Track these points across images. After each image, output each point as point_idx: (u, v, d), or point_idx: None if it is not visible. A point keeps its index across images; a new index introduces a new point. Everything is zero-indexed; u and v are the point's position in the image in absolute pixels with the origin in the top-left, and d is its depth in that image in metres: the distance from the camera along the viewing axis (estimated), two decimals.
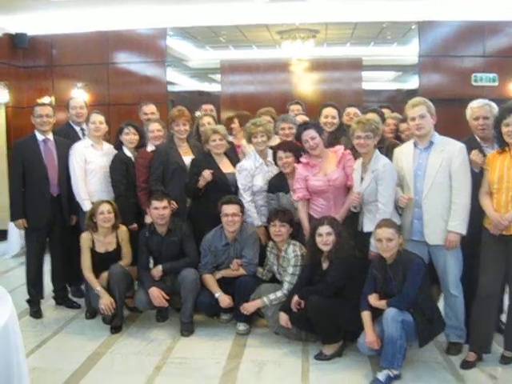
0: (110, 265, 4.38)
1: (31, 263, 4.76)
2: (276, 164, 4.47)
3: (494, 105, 3.85)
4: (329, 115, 4.88)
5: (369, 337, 3.53)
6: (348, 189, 4.21)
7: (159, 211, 4.35)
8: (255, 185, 4.53)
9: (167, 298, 4.32)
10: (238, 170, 4.57)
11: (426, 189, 3.71)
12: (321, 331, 3.86)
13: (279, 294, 4.10)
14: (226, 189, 4.54)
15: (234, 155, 4.88)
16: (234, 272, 4.37)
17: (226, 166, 4.70)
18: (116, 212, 4.44)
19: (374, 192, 3.85)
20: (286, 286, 4.09)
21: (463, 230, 3.64)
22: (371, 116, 4.30)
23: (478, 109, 3.89)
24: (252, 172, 4.53)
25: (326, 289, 3.75)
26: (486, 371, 3.59)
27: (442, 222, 3.70)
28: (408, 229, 3.84)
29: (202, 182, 4.48)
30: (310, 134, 4.19)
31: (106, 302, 4.24)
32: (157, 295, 4.27)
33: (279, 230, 4.16)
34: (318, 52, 8.66)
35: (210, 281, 4.37)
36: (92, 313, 4.66)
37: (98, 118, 4.80)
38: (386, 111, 5.10)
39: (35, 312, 4.71)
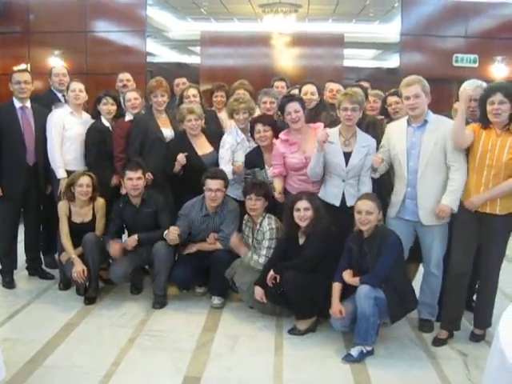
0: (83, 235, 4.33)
1: (5, 233, 4.69)
2: (253, 137, 4.42)
3: (485, 85, 3.81)
4: (308, 92, 4.82)
5: (333, 307, 3.57)
6: None
7: (133, 182, 4.31)
8: (236, 160, 4.48)
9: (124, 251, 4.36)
10: (221, 144, 4.52)
11: (421, 168, 3.69)
12: (296, 306, 3.87)
13: (256, 258, 4.09)
14: (203, 171, 4.39)
15: (214, 127, 4.82)
16: (210, 246, 4.35)
17: (203, 147, 4.62)
18: (95, 185, 4.38)
19: (361, 167, 3.87)
20: (262, 259, 4.09)
21: (456, 208, 3.64)
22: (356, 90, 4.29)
23: (471, 92, 3.80)
24: (233, 148, 4.49)
25: (303, 263, 3.75)
26: (456, 348, 3.66)
27: (437, 202, 3.70)
28: (397, 207, 3.83)
29: (177, 167, 4.43)
30: (294, 106, 4.13)
31: (78, 269, 4.19)
32: (115, 247, 4.29)
33: (255, 203, 4.14)
34: (300, 27, 8.59)
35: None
36: (66, 284, 4.61)
37: (77, 86, 4.69)
38: (365, 84, 5.08)
39: (8, 282, 4.66)
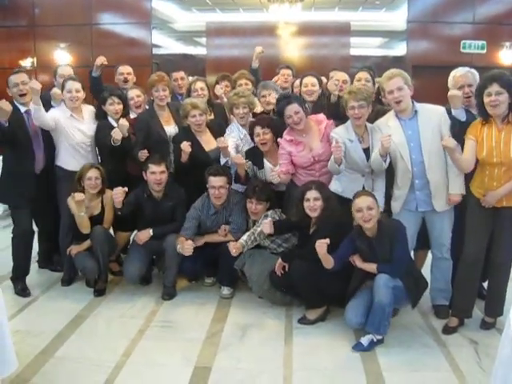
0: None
1: (19, 243, 4.43)
2: (253, 140, 4.35)
3: (474, 71, 3.83)
4: (308, 83, 4.77)
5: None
6: None
7: (156, 176, 4.26)
8: (233, 136, 4.44)
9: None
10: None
11: (427, 160, 3.68)
12: (304, 296, 3.87)
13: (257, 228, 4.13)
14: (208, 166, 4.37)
15: (220, 121, 4.77)
16: (220, 238, 4.34)
17: (208, 142, 4.55)
18: (104, 178, 4.36)
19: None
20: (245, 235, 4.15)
21: (463, 191, 3.66)
22: (363, 75, 4.26)
23: (461, 77, 3.84)
24: (239, 148, 4.41)
25: (311, 253, 3.74)
26: (466, 336, 3.63)
27: (447, 187, 3.72)
28: (402, 200, 3.81)
29: (184, 157, 4.35)
30: (293, 108, 4.04)
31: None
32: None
33: (255, 207, 4.16)
34: (306, 16, 8.54)
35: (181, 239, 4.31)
36: (68, 280, 4.60)
37: (74, 86, 4.48)
38: (364, 75, 4.98)
39: (21, 290, 4.40)
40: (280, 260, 3.88)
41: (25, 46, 8.31)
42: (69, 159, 4.50)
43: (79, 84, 4.53)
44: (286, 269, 3.85)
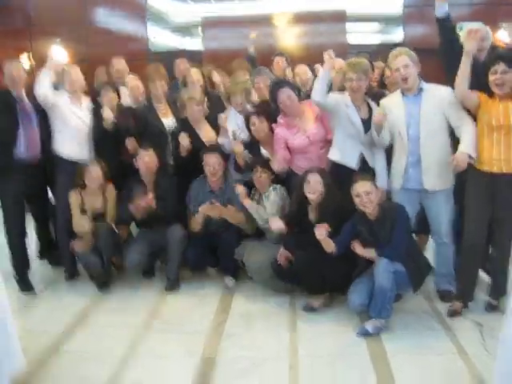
0: (95, 223, 4.32)
1: (12, 237, 4.43)
2: (249, 130, 4.36)
3: (488, 29, 3.85)
4: (300, 72, 4.84)
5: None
6: (329, 142, 4.12)
7: (146, 160, 4.32)
8: (230, 121, 4.49)
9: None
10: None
11: (423, 135, 3.68)
12: (308, 284, 3.86)
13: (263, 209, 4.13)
14: None
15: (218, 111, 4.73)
16: (227, 211, 4.27)
17: (207, 134, 4.59)
18: (105, 172, 4.37)
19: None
20: (268, 207, 4.12)
21: (473, 153, 3.54)
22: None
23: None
24: (237, 135, 4.41)
25: (313, 240, 3.66)
26: (471, 319, 3.63)
27: (440, 167, 3.70)
28: (399, 177, 3.82)
29: (183, 151, 4.38)
30: (285, 92, 4.08)
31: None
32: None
33: (260, 175, 4.15)
34: (302, 5, 8.48)
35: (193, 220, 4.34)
36: (71, 273, 4.61)
37: (73, 69, 4.52)
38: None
39: (24, 286, 4.41)
40: (282, 249, 3.87)
41: (21, 44, 8.28)
42: (65, 144, 4.44)
43: (78, 69, 4.57)
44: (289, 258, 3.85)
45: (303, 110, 4.21)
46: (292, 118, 4.18)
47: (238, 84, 4.50)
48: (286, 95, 4.08)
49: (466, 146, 3.55)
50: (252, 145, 4.38)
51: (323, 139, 4.13)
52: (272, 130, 4.27)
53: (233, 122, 4.49)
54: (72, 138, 4.46)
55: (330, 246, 3.59)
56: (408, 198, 3.77)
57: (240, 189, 4.19)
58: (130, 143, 4.45)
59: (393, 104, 3.85)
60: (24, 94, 4.32)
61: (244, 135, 4.42)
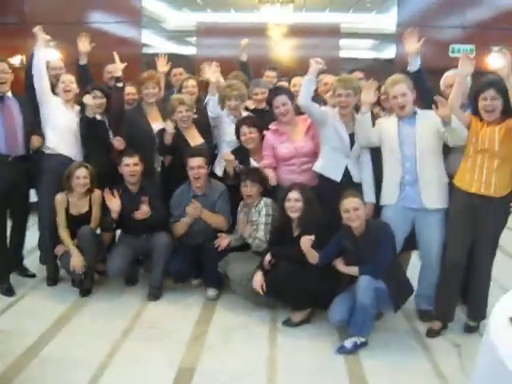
0: (80, 227, 4.30)
1: None
2: (239, 139, 4.41)
3: None
4: (297, 84, 4.81)
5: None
6: (315, 158, 4.14)
7: (130, 168, 4.32)
8: (228, 133, 4.55)
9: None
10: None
11: (419, 154, 3.72)
12: (289, 298, 3.87)
13: (255, 234, 4.11)
14: None
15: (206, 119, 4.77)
16: (211, 218, 4.32)
17: (194, 138, 4.61)
18: (92, 176, 4.37)
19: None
20: (261, 233, 4.09)
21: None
22: (358, 75, 4.29)
23: (451, 77, 3.89)
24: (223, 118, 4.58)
25: (298, 256, 3.70)
26: (450, 339, 3.67)
27: (438, 185, 3.76)
28: (393, 195, 3.84)
29: (168, 138, 4.44)
30: (281, 99, 4.14)
31: (75, 262, 4.20)
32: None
33: (250, 190, 4.16)
34: (297, 17, 8.55)
35: (179, 225, 4.37)
36: (54, 279, 4.58)
37: (67, 78, 4.57)
38: (359, 74, 5.01)
39: (6, 290, 4.37)
40: (268, 256, 3.87)
41: (15, 44, 8.25)
42: (53, 139, 4.45)
43: (73, 77, 4.63)
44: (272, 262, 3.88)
45: (297, 121, 4.26)
46: (284, 126, 4.23)
47: (233, 89, 4.53)
48: (281, 101, 4.13)
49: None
50: (241, 154, 4.41)
51: (310, 154, 4.16)
52: (262, 141, 4.32)
53: (228, 129, 4.56)
54: (61, 134, 4.47)
55: (313, 256, 3.62)
56: (402, 217, 3.80)
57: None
58: (118, 142, 4.48)
59: (387, 123, 3.89)
60: (8, 92, 4.34)
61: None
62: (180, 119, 4.52)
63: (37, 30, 4.43)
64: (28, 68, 4.58)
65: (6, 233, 4.47)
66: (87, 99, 4.47)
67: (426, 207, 3.76)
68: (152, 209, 4.32)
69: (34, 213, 4.82)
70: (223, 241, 4.23)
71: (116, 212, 4.30)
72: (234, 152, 4.42)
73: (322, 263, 3.64)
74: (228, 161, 4.32)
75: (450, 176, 3.75)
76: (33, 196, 4.77)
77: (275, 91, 4.31)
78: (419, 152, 3.73)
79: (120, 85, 4.64)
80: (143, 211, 4.26)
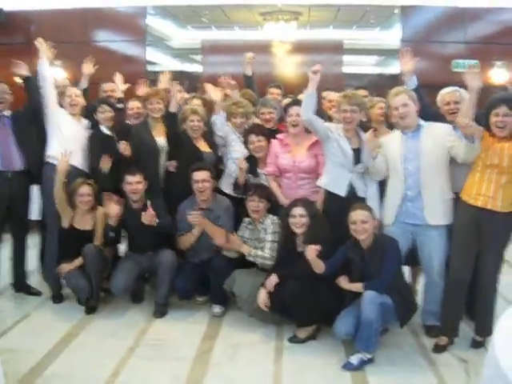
0: (84, 244, 4.31)
1: None
2: (247, 148, 4.45)
3: (463, 91, 3.84)
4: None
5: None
6: (317, 176, 4.16)
7: (132, 186, 4.34)
8: (235, 150, 4.58)
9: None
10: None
11: (424, 171, 3.73)
12: (296, 315, 3.85)
13: (262, 253, 4.11)
14: None
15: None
16: (214, 229, 4.30)
17: (202, 146, 4.68)
18: (96, 194, 4.40)
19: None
20: (267, 252, 4.09)
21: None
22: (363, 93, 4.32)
23: (448, 95, 3.95)
24: (230, 135, 4.61)
25: (305, 273, 3.70)
26: (457, 355, 3.63)
27: (442, 201, 3.75)
28: (393, 211, 3.85)
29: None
30: (297, 110, 4.14)
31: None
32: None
33: (257, 205, 4.17)
34: (301, 34, 8.60)
35: (186, 237, 4.38)
36: (59, 297, 4.60)
37: (73, 91, 4.65)
38: (363, 92, 5.02)
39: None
40: (273, 276, 3.85)
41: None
42: (58, 149, 4.46)
43: (79, 91, 4.71)
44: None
45: (305, 137, 4.26)
46: (290, 138, 4.27)
47: (239, 107, 4.58)
48: (296, 111, 4.14)
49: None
50: (250, 163, 4.45)
51: (308, 170, 4.18)
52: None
53: (235, 146, 4.61)
54: (68, 145, 4.48)
55: (319, 266, 3.62)
56: (402, 232, 3.80)
57: (234, 238, 4.20)
58: (123, 147, 4.51)
59: (390, 140, 3.92)
60: (5, 111, 4.50)
61: (240, 145, 4.57)
62: (191, 128, 4.59)
63: (39, 41, 4.53)
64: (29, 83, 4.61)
65: None
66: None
67: (429, 224, 3.76)
68: (157, 217, 4.31)
69: (35, 232, 4.89)
70: (219, 237, 4.25)
71: (114, 217, 4.30)
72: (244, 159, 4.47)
73: (327, 273, 3.64)
74: (241, 169, 4.37)
75: (456, 191, 3.76)
76: (33, 215, 4.84)
77: (295, 101, 4.35)
78: (423, 166, 3.73)
79: (120, 106, 4.66)
80: (150, 214, 4.24)
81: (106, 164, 4.53)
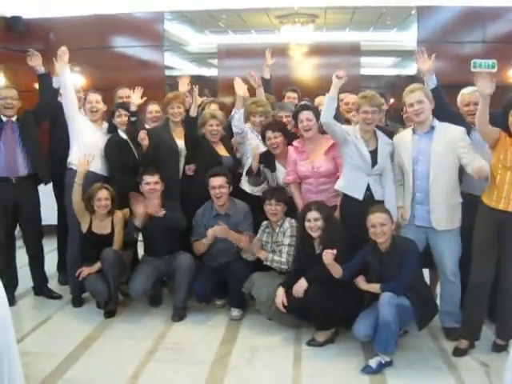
0: (103, 248, 4.34)
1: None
2: (265, 144, 4.47)
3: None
4: (320, 103, 4.83)
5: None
6: (337, 179, 4.14)
7: (150, 186, 4.36)
8: (251, 143, 4.58)
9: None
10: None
11: (433, 173, 3.71)
12: (316, 318, 3.84)
13: (278, 258, 4.12)
14: None
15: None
16: (233, 234, 4.30)
17: (221, 150, 4.70)
18: (113, 198, 4.43)
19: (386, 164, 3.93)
20: (284, 257, 4.11)
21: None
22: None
23: (468, 95, 3.92)
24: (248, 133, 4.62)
25: (322, 274, 3.68)
26: (478, 359, 3.59)
27: (448, 206, 3.73)
28: (406, 213, 3.85)
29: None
30: (306, 114, 4.17)
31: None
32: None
33: (275, 208, 4.17)
34: (318, 37, 8.58)
35: (199, 243, 4.40)
36: (79, 300, 4.64)
37: (94, 97, 4.70)
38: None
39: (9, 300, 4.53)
40: (303, 281, 3.83)
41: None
42: (78, 156, 4.51)
43: (99, 96, 4.75)
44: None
45: (319, 140, 4.27)
46: (305, 144, 4.27)
47: (259, 106, 4.60)
48: (306, 116, 4.16)
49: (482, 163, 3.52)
50: (267, 158, 4.47)
51: (327, 174, 4.17)
52: (288, 145, 4.39)
53: (255, 142, 4.62)
54: (88, 151, 4.53)
55: (337, 271, 3.61)
56: (415, 234, 3.78)
57: (256, 242, 4.23)
58: (143, 136, 4.58)
59: (401, 141, 3.90)
60: (13, 117, 4.56)
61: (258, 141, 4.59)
62: (210, 132, 4.62)
63: (62, 50, 4.56)
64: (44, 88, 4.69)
65: (10, 249, 4.64)
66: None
67: (436, 229, 3.75)
68: (171, 211, 4.34)
69: (51, 236, 4.95)
70: (244, 241, 4.26)
71: (140, 218, 4.33)
72: (261, 155, 4.47)
73: (345, 277, 3.62)
74: (255, 155, 4.40)
75: (473, 193, 3.72)
76: (49, 219, 4.91)
77: (303, 106, 4.36)
78: (433, 170, 3.71)
79: (133, 119, 4.67)
80: (154, 204, 4.29)
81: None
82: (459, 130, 3.73)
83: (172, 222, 4.34)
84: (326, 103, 3.90)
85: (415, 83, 3.95)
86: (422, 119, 3.77)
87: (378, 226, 3.54)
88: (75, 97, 4.61)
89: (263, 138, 4.45)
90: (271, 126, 4.42)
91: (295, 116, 4.30)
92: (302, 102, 5.15)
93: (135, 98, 4.69)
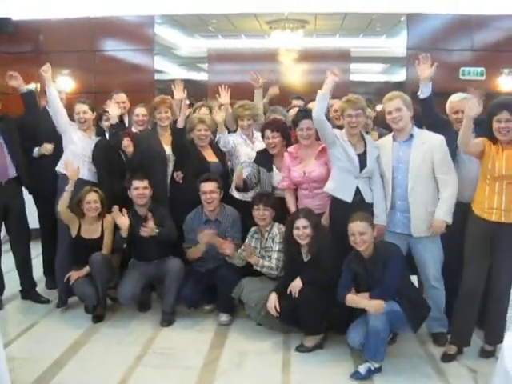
0: (92, 252, 4.32)
1: None
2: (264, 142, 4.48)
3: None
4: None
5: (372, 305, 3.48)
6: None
7: (139, 191, 4.36)
8: (243, 153, 4.59)
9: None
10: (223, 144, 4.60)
11: (412, 182, 3.73)
12: (306, 322, 3.83)
13: (268, 264, 4.12)
14: None
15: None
16: (221, 241, 4.27)
17: (209, 156, 4.69)
18: (103, 201, 4.41)
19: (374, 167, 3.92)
20: (273, 263, 4.11)
21: (450, 219, 3.67)
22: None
23: (456, 103, 3.92)
24: (236, 141, 4.62)
25: (323, 277, 3.72)
26: (465, 365, 3.60)
27: (428, 214, 3.74)
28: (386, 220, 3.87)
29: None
30: (307, 123, 4.15)
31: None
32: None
33: (263, 213, 4.17)
34: (307, 43, 8.62)
35: (193, 250, 4.36)
36: (64, 302, 4.60)
37: (81, 108, 4.68)
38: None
39: None
40: (299, 281, 3.80)
41: (29, 72, 8.35)
42: (73, 164, 4.51)
43: (87, 106, 4.73)
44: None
45: (314, 147, 4.26)
46: (301, 149, 4.26)
47: (246, 109, 4.61)
48: (307, 125, 4.15)
49: (444, 212, 3.67)
50: (264, 157, 4.47)
51: (319, 179, 4.15)
52: (286, 146, 4.40)
53: (236, 134, 4.65)
54: (79, 158, 4.61)
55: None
56: (397, 241, 3.79)
57: (247, 248, 4.18)
58: (126, 142, 4.60)
59: (383, 147, 3.93)
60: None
61: (245, 148, 4.63)
62: (198, 137, 4.61)
63: (44, 69, 4.57)
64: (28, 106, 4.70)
65: None
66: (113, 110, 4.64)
67: (414, 235, 3.78)
68: (161, 225, 4.32)
69: (36, 240, 4.94)
70: (228, 248, 4.22)
71: (125, 230, 4.30)
72: (259, 153, 4.49)
73: (343, 297, 3.56)
74: (238, 175, 4.36)
75: (463, 201, 3.74)
76: (35, 223, 4.91)
77: (304, 113, 4.29)
78: (412, 179, 3.74)
79: (113, 131, 4.65)
80: (149, 226, 4.25)
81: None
82: (437, 139, 3.74)
83: (164, 237, 4.34)
84: (318, 99, 3.84)
85: (395, 91, 3.95)
86: (400, 126, 3.78)
87: (358, 235, 3.54)
88: (63, 110, 4.66)
89: (263, 137, 4.46)
90: (270, 126, 4.42)
91: (296, 122, 4.27)
92: (294, 110, 5.17)
93: (111, 110, 4.64)
